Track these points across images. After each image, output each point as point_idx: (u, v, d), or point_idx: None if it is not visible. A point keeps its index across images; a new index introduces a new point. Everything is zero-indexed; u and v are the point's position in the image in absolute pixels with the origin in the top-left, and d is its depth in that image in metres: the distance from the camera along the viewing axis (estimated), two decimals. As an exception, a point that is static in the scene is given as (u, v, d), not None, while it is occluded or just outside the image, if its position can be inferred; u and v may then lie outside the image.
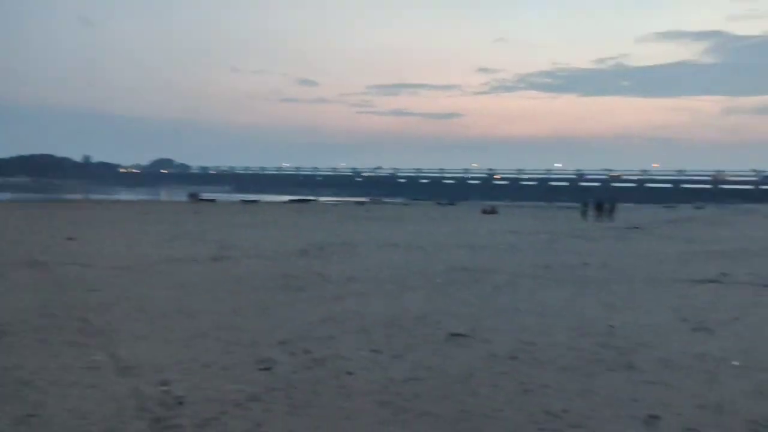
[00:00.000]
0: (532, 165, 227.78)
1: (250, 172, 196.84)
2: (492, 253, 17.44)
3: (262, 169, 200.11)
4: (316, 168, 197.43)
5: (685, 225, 36.21)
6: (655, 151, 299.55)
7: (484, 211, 51.63)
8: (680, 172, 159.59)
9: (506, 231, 27.79)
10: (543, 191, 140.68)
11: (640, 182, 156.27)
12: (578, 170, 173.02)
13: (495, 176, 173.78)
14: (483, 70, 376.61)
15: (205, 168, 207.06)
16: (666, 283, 11.96)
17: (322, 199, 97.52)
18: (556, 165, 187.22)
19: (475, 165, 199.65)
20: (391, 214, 45.43)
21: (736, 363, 6.27)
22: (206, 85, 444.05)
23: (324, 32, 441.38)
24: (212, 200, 72.08)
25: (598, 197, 42.45)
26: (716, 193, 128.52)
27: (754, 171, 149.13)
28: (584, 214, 38.85)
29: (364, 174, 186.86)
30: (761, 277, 12.86)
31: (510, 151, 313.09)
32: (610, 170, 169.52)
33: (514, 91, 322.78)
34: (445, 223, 35.21)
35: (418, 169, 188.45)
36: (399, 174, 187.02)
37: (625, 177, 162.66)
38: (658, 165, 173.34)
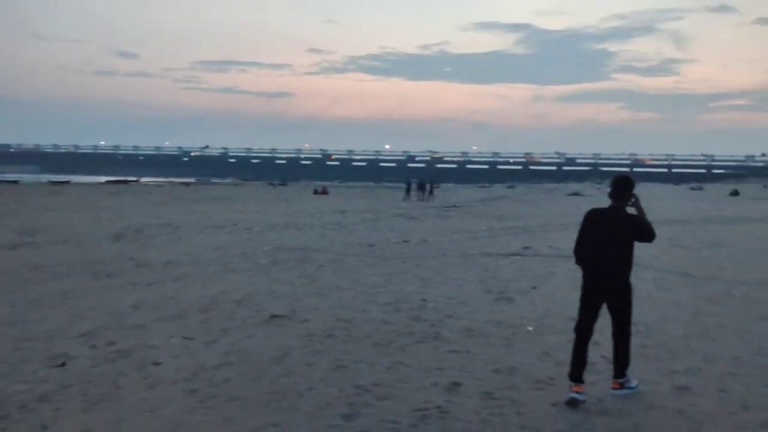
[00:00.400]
0: (362, 146, 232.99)
1: (61, 150, 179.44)
2: (319, 233, 17.56)
3: (76, 147, 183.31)
4: (137, 147, 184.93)
5: (498, 203, 39.25)
6: (475, 134, 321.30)
7: (316, 192, 51.93)
8: (495, 154, 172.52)
9: (335, 211, 28.14)
10: (373, 172, 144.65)
11: (461, 164, 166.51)
12: (406, 151, 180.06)
13: (330, 156, 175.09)
14: (314, 50, 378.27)
15: (5, 146, 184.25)
16: (476, 258, 12.84)
17: (145, 179, 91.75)
18: (385, 146, 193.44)
19: (307, 145, 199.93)
20: (220, 194, 44.04)
21: (530, 328, 6.89)
22: (4, 53, 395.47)
23: (146, 1, 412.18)
24: (14, 181, 64.84)
25: (420, 178, 44.35)
26: (526, 174, 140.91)
27: (558, 153, 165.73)
28: (407, 193, 40.38)
29: (192, 153, 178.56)
30: (558, 249, 14.27)
31: (341, 131, 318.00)
32: (434, 152, 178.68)
33: (344, 72, 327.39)
34: (275, 203, 34.86)
35: (248, 148, 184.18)
36: (229, 153, 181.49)
37: (447, 159, 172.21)
38: (477, 148, 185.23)
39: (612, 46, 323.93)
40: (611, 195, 5.00)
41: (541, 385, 5.03)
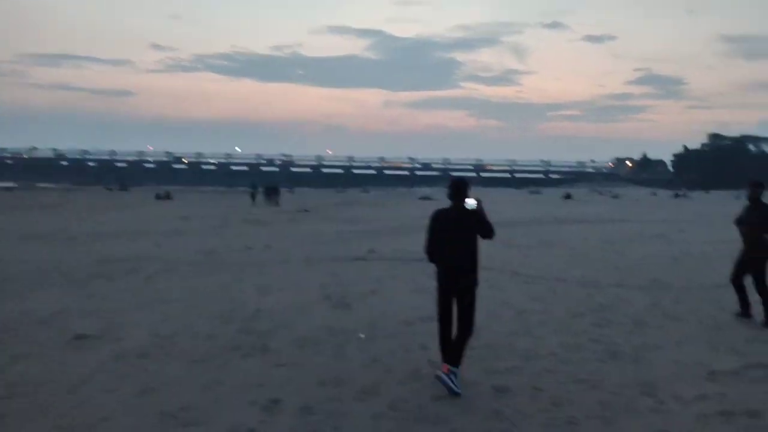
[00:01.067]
0: (212, 149, 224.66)
1: None
2: (155, 241, 16.44)
3: None
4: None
5: (351, 207, 39.51)
6: (329, 137, 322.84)
7: (158, 197, 49.12)
8: (350, 158, 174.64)
9: (177, 217, 26.69)
10: (224, 176, 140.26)
11: (316, 168, 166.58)
12: (258, 155, 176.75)
13: (183, 159, 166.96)
14: (157, 46, 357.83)
15: None
16: (321, 263, 12.61)
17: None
18: (236, 149, 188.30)
19: (151, 147, 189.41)
20: (47, 201, 40.13)
21: (362, 335, 6.74)
22: None
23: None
24: None
25: (267, 182, 43.30)
26: (381, 178, 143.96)
27: (410, 158, 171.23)
28: (253, 197, 39.17)
29: (18, 155, 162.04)
30: (403, 252, 14.44)
31: (189, 133, 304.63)
32: (288, 156, 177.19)
33: (192, 71, 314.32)
34: (110, 210, 32.40)
35: (84, 150, 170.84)
36: (61, 156, 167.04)
37: (302, 162, 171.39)
38: (332, 151, 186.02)
39: (459, 56, 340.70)
40: (450, 196, 5.40)
41: (365, 396, 4.86)
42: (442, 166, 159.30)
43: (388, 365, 5.65)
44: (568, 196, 55.40)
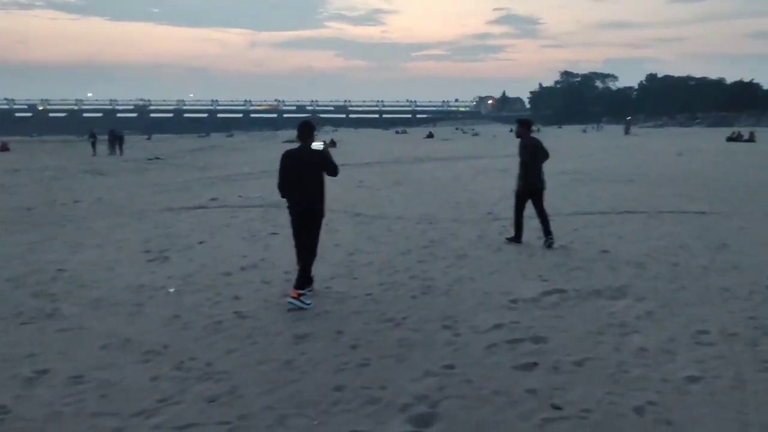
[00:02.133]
0: (60, 94, 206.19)
1: None
2: (-32, 199, 14.66)
3: None
4: None
5: (208, 154, 37.81)
6: (191, 80, 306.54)
7: (-7, 148, 44.30)
8: (214, 102, 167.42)
9: (5, 170, 24.09)
10: (76, 124, 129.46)
11: (177, 112, 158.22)
12: (113, 100, 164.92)
13: (48, 107, 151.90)
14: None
15: None
16: (154, 214, 11.82)
17: None
18: (88, 95, 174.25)
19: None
20: None
21: (171, 290, 6.30)
22: None
23: None
24: None
25: (111, 129, 39.43)
26: (247, 122, 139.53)
27: (277, 101, 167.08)
28: (93, 146, 35.63)
29: None
30: (247, 199, 13.92)
31: (31, 78, 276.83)
32: (147, 100, 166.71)
33: (31, 9, 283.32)
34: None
35: None
36: None
37: (161, 107, 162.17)
38: (194, 95, 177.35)
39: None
40: (298, 137, 5.97)
41: (150, 356, 4.49)
42: (310, 107, 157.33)
43: (188, 321, 5.30)
44: (430, 135, 56.60)
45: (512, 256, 7.77)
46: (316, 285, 6.23)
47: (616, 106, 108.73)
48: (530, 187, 8.50)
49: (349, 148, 39.61)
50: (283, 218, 11.21)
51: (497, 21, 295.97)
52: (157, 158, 31.50)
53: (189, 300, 5.95)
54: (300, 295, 5.66)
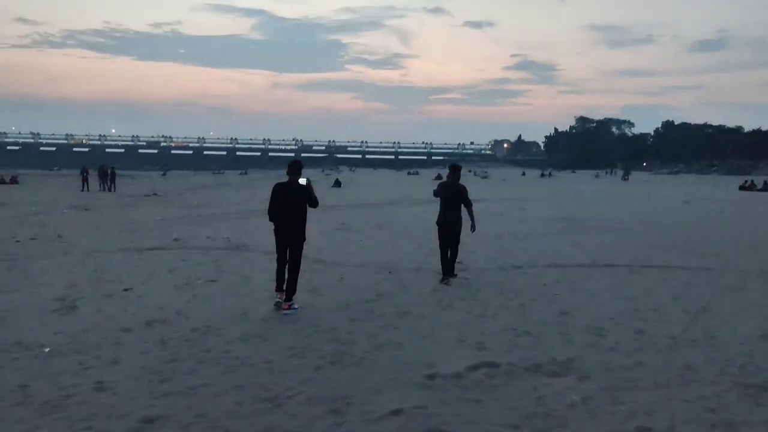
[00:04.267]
0: (84, 130, 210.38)
1: None
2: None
3: None
4: None
5: (210, 191, 37.46)
6: (212, 119, 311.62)
7: (2, 181, 44.46)
8: (233, 140, 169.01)
9: (-4, 204, 23.72)
10: (98, 158, 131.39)
11: (197, 149, 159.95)
12: (135, 136, 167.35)
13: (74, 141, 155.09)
14: (22, 20, 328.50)
15: None
16: (103, 254, 11.09)
17: None
18: (111, 131, 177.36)
19: (14, 128, 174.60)
20: None
21: (47, 350, 5.49)
22: None
23: None
24: None
25: (101, 164, 38.72)
26: (265, 160, 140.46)
27: (295, 140, 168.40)
28: (84, 181, 34.75)
29: None
30: (212, 240, 13.20)
31: (59, 113, 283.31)
32: (169, 137, 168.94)
33: (62, 48, 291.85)
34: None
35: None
36: None
37: (182, 144, 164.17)
38: (214, 133, 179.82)
39: (345, 38, 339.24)
40: (288, 172, 7.13)
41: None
42: (326, 147, 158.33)
43: (31, 394, 4.47)
44: (438, 177, 55.94)
45: (458, 317, 6.86)
46: (211, 345, 5.40)
47: (632, 152, 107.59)
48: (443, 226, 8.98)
49: (353, 189, 39.09)
50: (234, 263, 10.50)
51: (515, 66, 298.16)
52: (155, 194, 31.14)
53: (56, 364, 5.13)
54: (290, 305, 6.96)
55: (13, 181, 44.92)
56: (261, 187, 41.71)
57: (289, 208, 6.98)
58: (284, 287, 7.04)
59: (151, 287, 8.32)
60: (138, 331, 6.13)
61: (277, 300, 7.08)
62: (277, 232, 7.08)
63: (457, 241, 8.99)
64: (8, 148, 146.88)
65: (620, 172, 70.36)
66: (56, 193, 31.58)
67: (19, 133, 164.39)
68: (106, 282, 8.61)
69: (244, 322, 6.52)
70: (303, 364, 5.19)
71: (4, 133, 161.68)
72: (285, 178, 7.15)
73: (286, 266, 7.06)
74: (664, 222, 17.58)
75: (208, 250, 11.74)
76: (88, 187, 34.13)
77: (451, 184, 9.10)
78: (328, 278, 9.02)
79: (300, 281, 7.52)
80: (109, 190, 33.97)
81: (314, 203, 7.11)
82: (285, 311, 6.86)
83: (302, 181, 7.08)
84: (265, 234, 14.57)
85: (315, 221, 17.26)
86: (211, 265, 10.07)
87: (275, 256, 7.21)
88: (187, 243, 12.70)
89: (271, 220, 7.10)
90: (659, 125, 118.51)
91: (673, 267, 10.10)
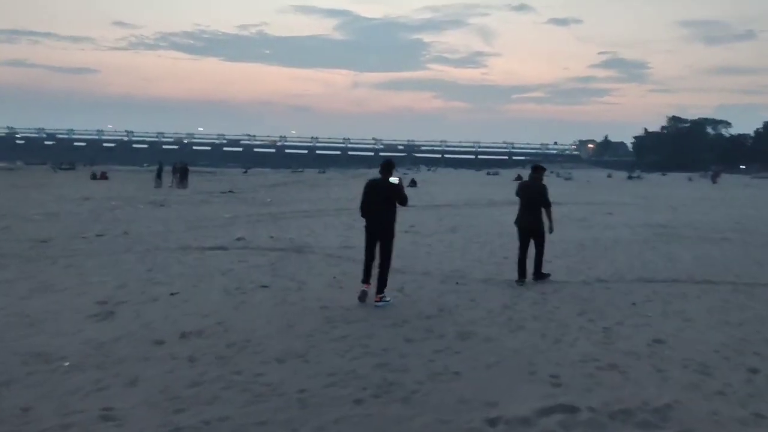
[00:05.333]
0: (173, 128, 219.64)
1: None
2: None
3: None
4: None
5: (286, 188, 37.54)
6: (294, 118, 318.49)
7: (94, 177, 46.55)
8: (314, 138, 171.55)
9: (81, 198, 24.52)
10: (185, 155, 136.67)
11: (279, 148, 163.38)
12: (221, 134, 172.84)
13: (162, 139, 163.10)
14: (120, 23, 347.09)
15: None
16: (163, 253, 10.82)
17: None
18: (199, 129, 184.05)
19: (111, 126, 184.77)
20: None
21: (66, 364, 5.02)
22: None
23: None
24: None
25: (176, 161, 38.78)
26: (344, 159, 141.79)
27: (374, 139, 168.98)
28: (158, 178, 34.94)
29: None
30: (277, 240, 12.76)
31: (152, 112, 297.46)
32: (253, 135, 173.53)
33: (155, 49, 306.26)
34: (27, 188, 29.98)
35: (40, 128, 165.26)
36: (17, 134, 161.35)
37: (264, 143, 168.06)
38: (296, 132, 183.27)
39: (426, 37, 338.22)
40: (380, 171, 7.34)
41: None
42: (406, 146, 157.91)
43: (32, 419, 3.95)
44: (518, 178, 54.04)
45: (530, 341, 5.93)
46: (244, 366, 4.75)
47: (729, 154, 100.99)
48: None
49: (429, 188, 38.19)
50: (292, 267, 9.93)
51: (601, 64, 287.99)
52: (231, 191, 31.42)
53: (70, 382, 4.62)
54: (381, 298, 7.16)
55: (104, 176, 46.92)
56: (335, 186, 41.62)
57: (380, 205, 7.26)
58: (371, 280, 7.30)
59: (200, 291, 7.86)
60: (170, 345, 5.58)
61: (363, 289, 7.29)
62: (368, 229, 7.36)
63: (542, 240, 8.79)
64: (104, 144, 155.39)
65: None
66: (138, 189, 32.52)
67: (115, 131, 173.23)
68: (156, 284, 8.23)
69: (288, 337, 5.87)
70: (342, 396, 4.45)
71: (101, 131, 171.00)
72: (367, 176, 7.31)
73: (373, 262, 7.32)
74: (770, 232, 15.75)
75: (268, 251, 11.26)
76: (160, 183, 34.47)
77: (530, 183, 8.99)
78: (388, 287, 8.26)
79: (353, 291, 6.80)
80: (180, 186, 34.16)
81: (404, 201, 7.34)
82: (377, 304, 7.11)
83: (393, 179, 7.30)
84: (330, 234, 14.12)
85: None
86: (268, 268, 9.54)
87: (363, 255, 7.45)
88: (250, 243, 12.30)
89: (362, 216, 7.41)
90: (759, 126, 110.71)
91: (787, 286, 8.71)
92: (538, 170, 9.13)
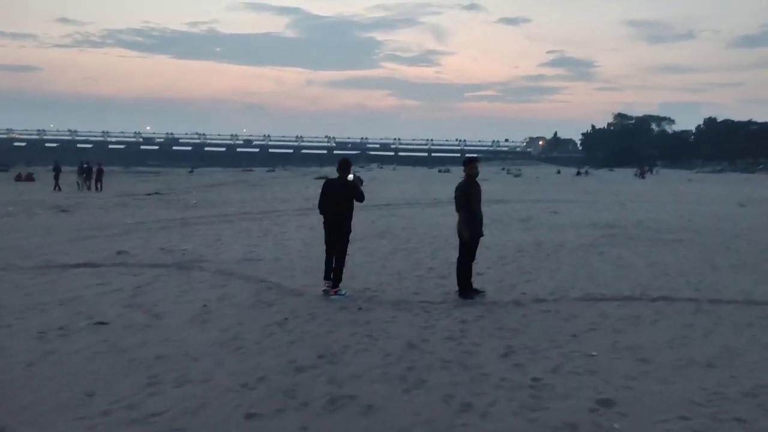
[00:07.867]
0: (120, 127, 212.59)
1: None
2: None
3: None
4: None
5: (221, 189, 35.15)
6: (247, 116, 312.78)
7: (18, 178, 43.30)
8: (266, 137, 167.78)
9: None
10: (132, 155, 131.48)
11: (230, 147, 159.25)
12: (169, 133, 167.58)
13: (108, 138, 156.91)
14: (64, 20, 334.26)
15: None
16: (10, 273, 8.75)
17: None
18: (146, 128, 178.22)
19: (53, 126, 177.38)
20: None
21: None
22: None
23: None
24: None
25: (82, 161, 35.29)
26: (297, 157, 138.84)
27: (327, 137, 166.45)
28: (56, 180, 32.09)
29: None
30: (168, 253, 10.81)
31: (98, 111, 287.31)
32: (202, 134, 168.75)
33: (102, 47, 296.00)
34: None
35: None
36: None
37: (215, 141, 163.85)
38: (247, 130, 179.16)
39: (379, 36, 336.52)
40: (338, 170, 7.64)
41: None
42: (360, 144, 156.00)
43: None
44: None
45: (428, 405, 4.20)
46: None
47: (673, 149, 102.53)
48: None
49: (372, 187, 36.43)
50: (161, 290, 7.98)
51: (550, 63, 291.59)
52: (157, 193, 29.06)
53: None
54: (336, 291, 7.39)
55: (29, 178, 43.68)
56: (277, 185, 39.46)
57: (337, 203, 7.48)
58: (331, 276, 7.49)
59: (5, 334, 5.86)
60: None
61: (324, 288, 7.51)
62: (326, 225, 7.59)
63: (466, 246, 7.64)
64: (46, 145, 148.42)
65: (662, 171, 66.15)
66: (55, 191, 29.80)
67: (57, 131, 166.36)
68: None
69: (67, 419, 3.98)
70: None
71: (43, 130, 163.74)
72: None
73: (332, 256, 7.53)
74: (722, 230, 14.54)
75: (147, 268, 9.30)
76: (59, 186, 31.17)
77: (475, 182, 7.75)
78: (272, 317, 6.45)
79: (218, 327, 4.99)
80: (97, 189, 31.39)
81: (359, 197, 7.56)
82: (332, 296, 7.29)
83: (350, 177, 7.52)
84: (238, 243, 12.16)
85: (298, 227, 14.86)
86: (128, 294, 7.59)
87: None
88: (132, 257, 10.29)
89: (320, 212, 7.69)
90: (700, 123, 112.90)
91: (757, 302, 7.25)
92: (467, 166, 7.75)
